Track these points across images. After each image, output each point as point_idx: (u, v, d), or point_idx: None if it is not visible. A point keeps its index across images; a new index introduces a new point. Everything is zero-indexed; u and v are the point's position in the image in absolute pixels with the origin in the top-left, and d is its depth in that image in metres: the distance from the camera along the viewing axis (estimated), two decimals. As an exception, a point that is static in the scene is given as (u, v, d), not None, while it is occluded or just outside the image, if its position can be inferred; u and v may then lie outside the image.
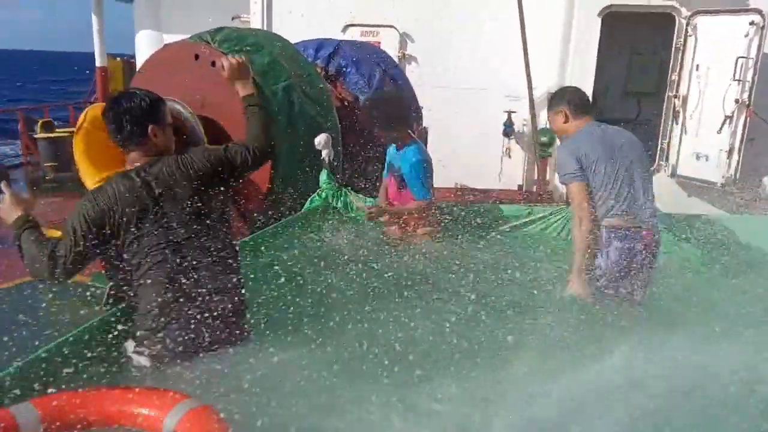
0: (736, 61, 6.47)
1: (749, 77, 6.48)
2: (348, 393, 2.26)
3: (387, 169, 4.19)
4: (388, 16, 8.02)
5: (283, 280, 3.18)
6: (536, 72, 7.16)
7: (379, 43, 7.91)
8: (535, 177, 7.81)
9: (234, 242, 2.69)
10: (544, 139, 7.46)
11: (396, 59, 7.63)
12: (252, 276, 3.02)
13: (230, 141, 4.18)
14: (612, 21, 7.40)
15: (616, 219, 3.22)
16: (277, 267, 3.32)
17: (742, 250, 3.91)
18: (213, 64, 4.20)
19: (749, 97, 6.51)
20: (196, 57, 4.25)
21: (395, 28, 8.06)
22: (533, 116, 7.31)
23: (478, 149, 7.79)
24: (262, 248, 3.59)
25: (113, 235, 2.38)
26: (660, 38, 7.98)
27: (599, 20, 7.27)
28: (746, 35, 6.47)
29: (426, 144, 4.84)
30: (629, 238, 3.21)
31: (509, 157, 8.10)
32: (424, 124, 6.03)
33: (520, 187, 8.06)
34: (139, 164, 2.50)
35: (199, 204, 2.51)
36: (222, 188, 2.61)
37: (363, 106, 4.69)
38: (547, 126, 6.96)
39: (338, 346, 2.58)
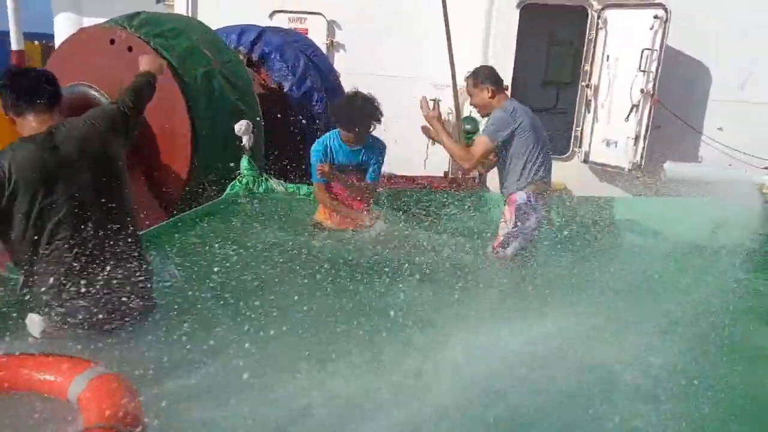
0: (642, 52, 6.88)
1: (653, 68, 6.88)
2: (257, 362, 2.37)
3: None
4: (316, 3, 8.03)
5: (203, 263, 3.26)
6: (460, 61, 7.36)
7: (307, 30, 7.93)
8: (461, 164, 8.04)
9: (131, 211, 2.70)
10: (468, 127, 7.67)
11: (324, 47, 7.68)
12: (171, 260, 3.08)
13: (150, 126, 4.21)
14: (530, 13, 7.70)
15: (538, 185, 3.65)
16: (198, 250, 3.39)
17: (632, 228, 4.29)
18: (130, 49, 4.18)
19: (654, 86, 6.93)
20: (112, 42, 4.21)
21: (323, 16, 8.08)
22: (457, 105, 7.53)
23: (404, 137, 7.96)
24: (181, 232, 3.64)
25: (10, 203, 2.31)
26: (575, 30, 8.36)
27: (518, 12, 7.55)
28: (651, 28, 6.86)
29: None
30: (545, 200, 3.70)
31: (435, 144, 8.28)
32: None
33: (445, 173, 8.27)
34: (43, 129, 2.45)
35: (109, 165, 2.55)
36: (122, 144, 2.67)
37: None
38: (472, 114, 7.21)
39: (250, 324, 2.70)
